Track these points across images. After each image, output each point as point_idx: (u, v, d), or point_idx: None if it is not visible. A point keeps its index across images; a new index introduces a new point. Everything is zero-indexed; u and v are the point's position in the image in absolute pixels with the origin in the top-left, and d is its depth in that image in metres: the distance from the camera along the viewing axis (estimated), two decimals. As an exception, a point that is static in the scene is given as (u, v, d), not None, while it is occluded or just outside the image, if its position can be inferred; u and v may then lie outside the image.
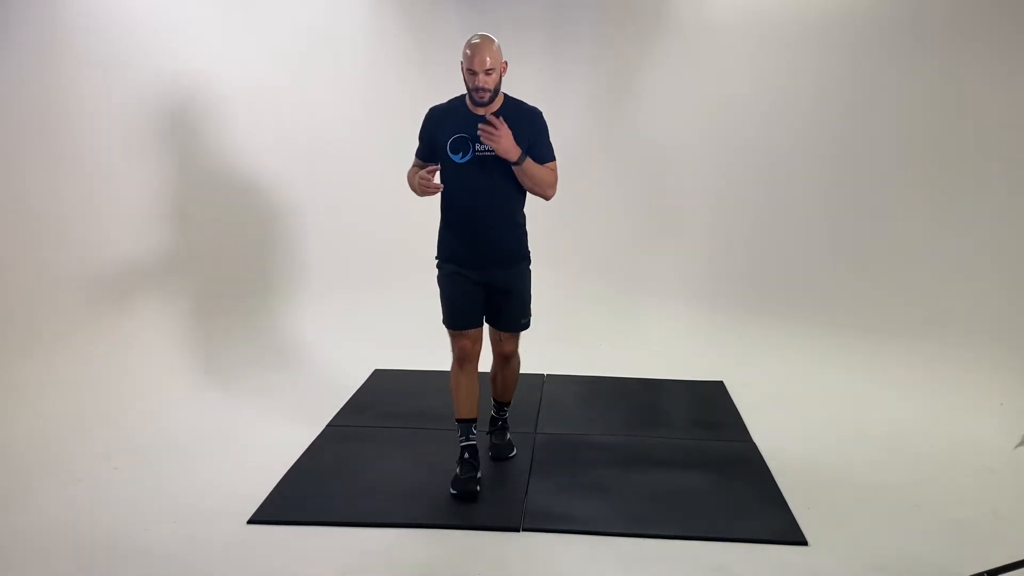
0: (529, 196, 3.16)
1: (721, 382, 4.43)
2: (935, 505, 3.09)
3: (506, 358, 3.34)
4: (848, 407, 4.07)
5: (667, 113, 5.08)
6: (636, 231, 5.24)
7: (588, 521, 2.94)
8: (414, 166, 3.23)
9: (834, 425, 3.87)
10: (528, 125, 3.03)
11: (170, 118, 4.28)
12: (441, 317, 3.21)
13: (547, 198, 3.13)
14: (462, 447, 3.17)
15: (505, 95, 3.06)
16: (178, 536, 2.79)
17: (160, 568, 2.59)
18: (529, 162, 2.98)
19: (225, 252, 4.63)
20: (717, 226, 5.10)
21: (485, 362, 3.35)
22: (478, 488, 3.11)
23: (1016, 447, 2.47)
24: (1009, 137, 4.21)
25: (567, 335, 4.93)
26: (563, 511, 3.01)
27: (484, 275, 3.14)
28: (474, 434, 3.20)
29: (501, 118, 2.91)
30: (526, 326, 3.29)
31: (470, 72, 2.93)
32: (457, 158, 3.06)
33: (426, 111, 3.17)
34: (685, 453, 3.56)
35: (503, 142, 2.90)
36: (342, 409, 3.99)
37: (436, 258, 3.23)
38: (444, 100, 3.17)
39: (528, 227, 3.25)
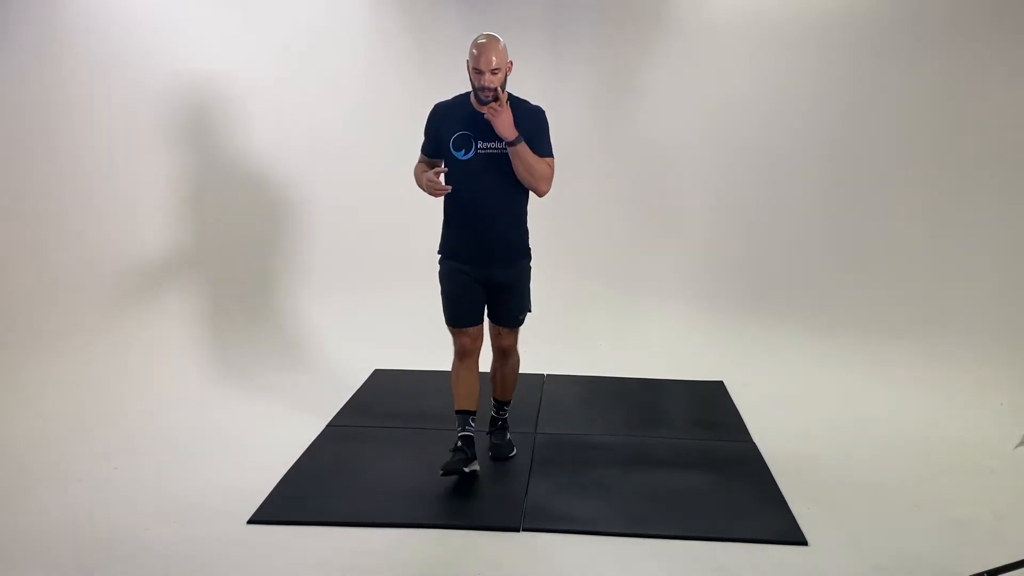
0: (530, 196, 3.17)
1: (721, 382, 4.43)
2: (935, 505, 3.09)
3: (505, 352, 3.34)
4: (848, 407, 4.06)
5: (667, 113, 5.08)
6: (636, 231, 5.23)
7: (588, 521, 2.93)
8: (420, 162, 3.25)
9: (834, 425, 3.86)
10: (529, 120, 3.06)
11: (170, 118, 4.28)
12: (442, 315, 3.22)
13: (540, 193, 3.13)
14: (458, 436, 3.18)
15: (509, 94, 3.07)
16: (178, 536, 2.79)
17: (160, 568, 2.59)
18: (524, 147, 2.99)
19: (225, 252, 4.63)
20: (717, 226, 5.10)
21: (485, 363, 3.35)
22: (465, 469, 3.09)
23: (1016, 447, 2.46)
24: (1009, 137, 4.22)
25: (567, 335, 4.93)
26: (563, 511, 3.01)
27: (485, 272, 3.15)
28: (471, 426, 3.20)
29: (508, 103, 2.97)
30: (522, 321, 3.31)
31: (476, 71, 2.95)
32: (460, 155, 3.08)
33: (429, 109, 3.20)
34: (685, 453, 3.56)
35: (503, 117, 2.94)
36: (342, 409, 3.99)
37: (438, 253, 3.25)
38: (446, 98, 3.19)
39: (528, 227, 3.26)
